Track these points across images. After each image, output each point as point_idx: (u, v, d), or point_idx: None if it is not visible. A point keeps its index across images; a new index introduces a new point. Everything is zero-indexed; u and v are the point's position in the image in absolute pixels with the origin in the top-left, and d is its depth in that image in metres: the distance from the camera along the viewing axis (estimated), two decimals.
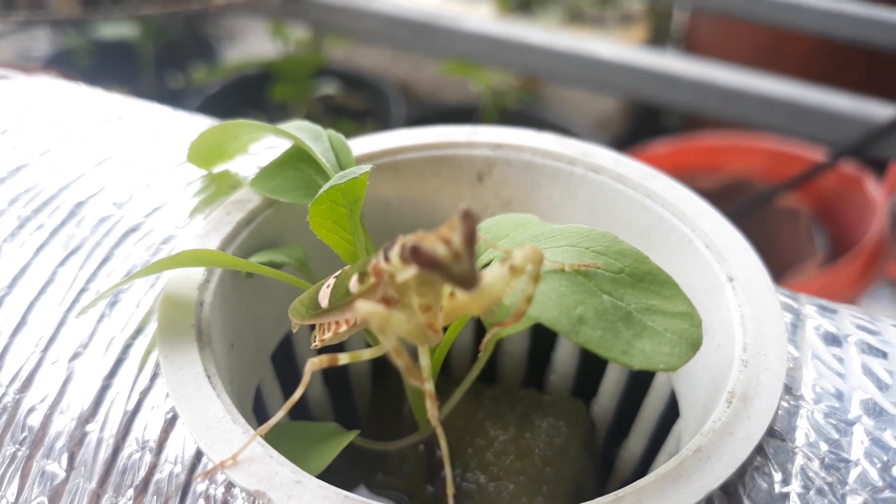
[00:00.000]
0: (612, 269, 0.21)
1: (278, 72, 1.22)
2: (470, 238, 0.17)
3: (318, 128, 0.28)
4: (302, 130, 0.28)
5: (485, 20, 0.88)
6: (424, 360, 0.21)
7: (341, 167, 0.27)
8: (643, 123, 1.51)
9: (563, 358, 0.33)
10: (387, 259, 0.19)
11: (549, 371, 0.34)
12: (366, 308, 0.18)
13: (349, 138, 0.29)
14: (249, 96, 1.26)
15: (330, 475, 0.23)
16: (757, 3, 0.97)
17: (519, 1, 1.56)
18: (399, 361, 0.19)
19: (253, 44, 1.54)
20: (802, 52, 1.28)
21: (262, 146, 0.33)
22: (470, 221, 0.17)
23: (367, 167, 0.24)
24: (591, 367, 0.33)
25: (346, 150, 0.28)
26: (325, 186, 0.24)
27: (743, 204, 1.01)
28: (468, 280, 0.17)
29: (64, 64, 1.32)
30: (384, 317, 0.18)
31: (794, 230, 1.15)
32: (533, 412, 0.32)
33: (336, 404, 0.33)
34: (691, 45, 1.47)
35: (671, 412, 0.29)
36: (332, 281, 0.23)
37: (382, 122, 1.26)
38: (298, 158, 0.29)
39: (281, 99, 1.21)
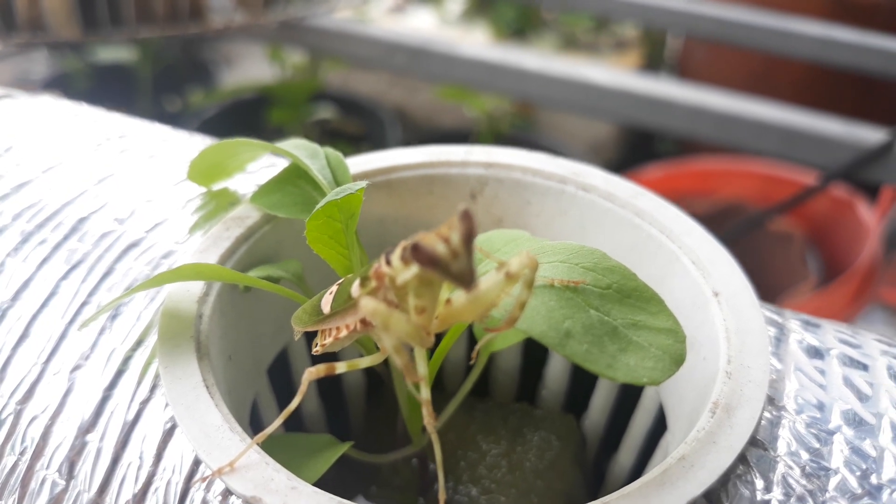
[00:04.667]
0: (600, 285, 0.22)
1: (275, 96, 1.23)
2: (468, 237, 0.17)
3: (315, 146, 0.29)
4: (300, 149, 0.29)
5: (479, 46, 0.89)
6: (422, 369, 0.21)
7: (338, 184, 0.28)
8: (637, 148, 1.52)
9: (555, 374, 0.34)
10: (388, 262, 0.20)
11: (540, 386, 0.34)
12: (370, 305, 0.19)
13: (346, 157, 0.30)
14: (246, 120, 1.27)
15: (324, 488, 0.23)
16: (748, 29, 0.98)
17: (514, 27, 1.58)
18: (399, 359, 0.19)
19: (250, 68, 1.55)
20: (794, 78, 1.30)
21: (261, 165, 0.34)
22: (468, 221, 0.17)
23: (362, 183, 0.25)
24: (582, 382, 0.33)
25: (342, 167, 0.29)
26: (322, 202, 0.24)
27: (735, 227, 1.02)
28: (466, 277, 0.17)
29: (61, 87, 1.34)
30: (387, 313, 0.19)
31: (788, 254, 1.15)
32: (525, 426, 0.32)
33: (330, 418, 0.34)
34: (685, 71, 1.48)
35: (659, 426, 0.29)
36: (334, 288, 0.23)
37: (378, 146, 1.27)
38: (297, 176, 0.29)
39: (277, 123, 1.23)
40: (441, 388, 0.35)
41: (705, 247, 0.28)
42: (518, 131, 1.38)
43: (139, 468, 0.23)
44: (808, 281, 1.09)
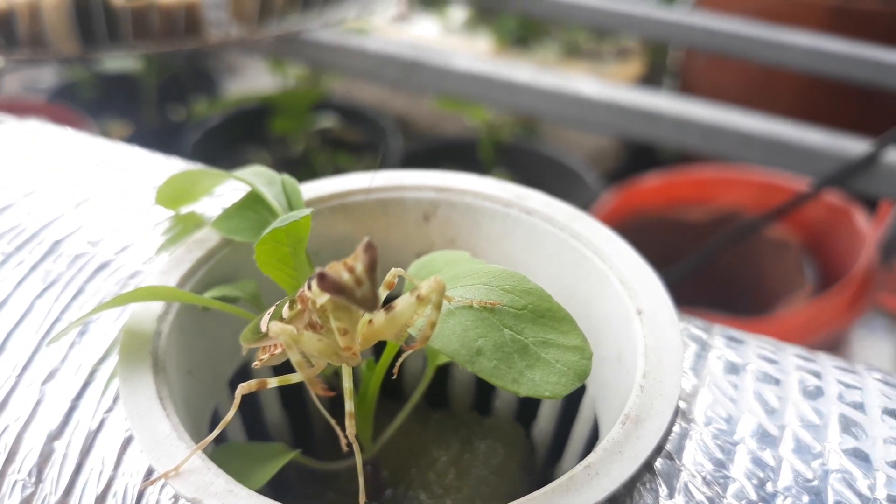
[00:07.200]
0: (516, 305, 0.24)
1: (277, 106, 1.25)
2: (371, 266, 0.19)
3: (272, 173, 0.31)
4: (258, 176, 0.31)
5: (472, 59, 0.91)
6: (347, 383, 0.23)
7: (292, 209, 0.30)
8: (638, 157, 1.53)
9: None
10: (309, 287, 0.22)
11: (494, 397, 0.36)
12: (276, 327, 0.21)
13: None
14: (249, 129, 1.30)
15: (283, 493, 0.25)
16: (742, 41, 1.00)
17: (516, 35, 1.59)
18: (302, 373, 0.22)
19: (253, 78, 1.58)
20: (794, 88, 1.31)
21: (229, 188, 0.36)
22: (371, 252, 0.19)
23: (308, 210, 0.27)
24: None
25: (297, 193, 0.31)
26: (269, 228, 0.26)
27: (730, 233, 1.03)
28: (369, 303, 0.19)
29: (68, 96, 1.37)
30: (291, 335, 0.21)
31: (785, 261, 1.17)
32: (474, 435, 0.34)
33: (294, 428, 0.36)
34: (687, 79, 1.50)
35: (596, 435, 0.31)
36: (272, 309, 0.26)
37: (380, 155, 1.29)
38: (256, 201, 0.31)
39: (280, 132, 1.25)
40: (402, 399, 0.37)
41: (633, 268, 0.29)
42: (519, 140, 1.39)
43: (101, 473, 0.26)
44: (805, 288, 1.10)
